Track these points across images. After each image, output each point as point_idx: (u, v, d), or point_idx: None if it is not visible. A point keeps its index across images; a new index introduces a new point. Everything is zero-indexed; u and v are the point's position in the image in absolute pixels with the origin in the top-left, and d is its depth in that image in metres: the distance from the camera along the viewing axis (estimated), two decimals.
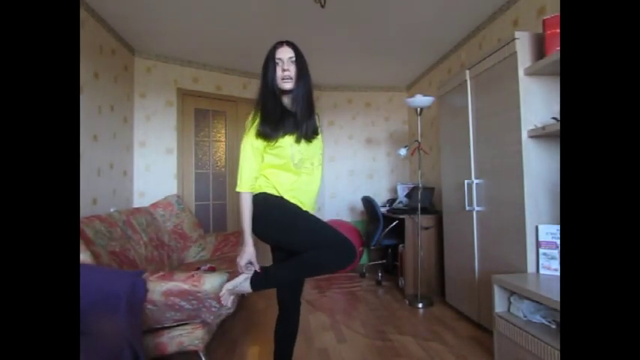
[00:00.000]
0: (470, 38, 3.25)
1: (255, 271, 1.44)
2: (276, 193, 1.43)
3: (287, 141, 1.40)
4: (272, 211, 1.41)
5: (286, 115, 1.43)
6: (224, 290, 1.45)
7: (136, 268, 2.30)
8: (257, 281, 1.43)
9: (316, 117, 1.50)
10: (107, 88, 2.96)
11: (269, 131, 1.38)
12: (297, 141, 1.41)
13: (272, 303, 2.25)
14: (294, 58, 1.42)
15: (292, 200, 1.44)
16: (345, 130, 4.79)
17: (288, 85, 1.41)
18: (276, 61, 1.41)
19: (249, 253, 1.42)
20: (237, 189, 1.43)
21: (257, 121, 1.41)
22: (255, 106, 1.45)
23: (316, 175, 1.50)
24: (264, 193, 1.44)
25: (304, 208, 1.46)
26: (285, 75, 1.40)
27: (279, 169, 1.44)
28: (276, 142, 1.39)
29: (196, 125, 3.88)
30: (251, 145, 1.42)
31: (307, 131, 1.42)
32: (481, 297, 2.41)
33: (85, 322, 1.32)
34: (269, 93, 1.42)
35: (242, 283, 1.44)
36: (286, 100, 1.46)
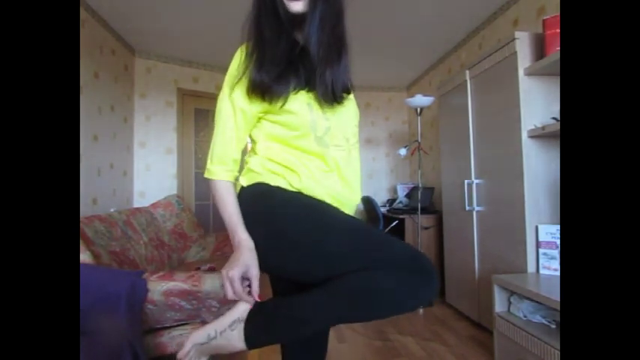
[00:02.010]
0: (470, 38, 3.25)
1: (256, 302, 0.85)
2: (290, 187, 0.88)
3: (301, 99, 0.86)
4: (279, 217, 0.84)
5: (298, 55, 0.87)
6: (188, 346, 0.84)
7: (136, 268, 2.30)
8: (255, 328, 0.84)
9: (348, 64, 0.93)
10: (107, 88, 2.96)
11: (270, 82, 0.83)
12: (319, 102, 0.86)
13: None
14: None
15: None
16: None
17: (297, 6, 0.84)
18: None
19: (244, 259, 0.82)
20: (206, 174, 0.93)
21: (248, 64, 0.85)
22: (247, 39, 0.89)
23: (354, 156, 0.96)
24: (265, 185, 0.88)
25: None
26: None
27: (291, 146, 0.89)
28: (285, 101, 0.84)
29: (196, 125, 3.88)
30: (232, 104, 0.87)
31: (335, 86, 0.86)
32: (481, 297, 2.41)
33: (85, 322, 1.32)
34: (268, 14, 0.86)
35: (227, 330, 0.84)
36: (297, 35, 0.90)
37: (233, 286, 0.81)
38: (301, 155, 0.90)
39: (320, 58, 0.86)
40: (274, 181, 0.88)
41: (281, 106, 0.85)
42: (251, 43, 0.87)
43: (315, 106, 0.87)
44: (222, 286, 0.88)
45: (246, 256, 0.83)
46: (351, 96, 0.98)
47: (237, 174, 0.93)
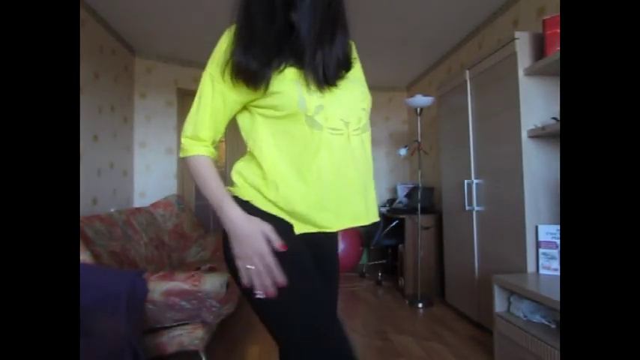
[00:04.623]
0: (470, 38, 3.25)
1: None
2: (262, 202, 0.80)
3: (288, 77, 0.78)
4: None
5: (290, 37, 0.79)
6: None
7: (136, 268, 2.30)
8: None
9: (345, 41, 0.84)
10: (107, 88, 2.96)
11: (257, 68, 0.76)
12: (308, 83, 0.78)
13: None
14: None
15: (316, 215, 0.79)
16: None
17: None
18: None
19: (251, 229, 0.77)
20: (180, 153, 0.86)
21: (234, 47, 0.78)
22: (235, 20, 0.81)
23: (357, 146, 0.83)
24: (236, 200, 0.80)
25: (340, 226, 0.81)
26: None
27: (280, 134, 0.81)
28: (268, 83, 0.77)
29: None
30: (213, 85, 0.82)
31: (326, 69, 0.78)
32: (481, 297, 2.41)
33: (85, 322, 1.32)
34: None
35: None
36: (290, 15, 0.80)
37: (265, 261, 0.76)
38: (289, 146, 0.81)
39: (311, 39, 0.77)
40: (247, 194, 0.82)
41: (265, 90, 0.78)
42: (239, 23, 0.79)
43: (304, 82, 0.78)
44: (244, 272, 0.77)
45: (253, 225, 0.77)
46: (360, 76, 0.90)
47: (214, 152, 0.86)
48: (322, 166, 0.79)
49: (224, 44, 0.81)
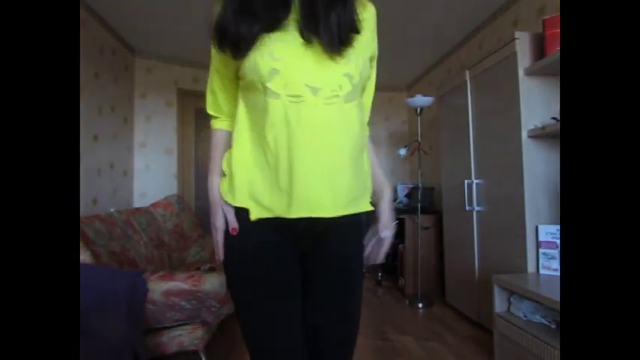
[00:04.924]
0: (470, 38, 3.25)
1: None
2: (227, 188, 0.77)
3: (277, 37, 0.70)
4: (227, 257, 0.78)
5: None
6: None
7: (136, 268, 2.30)
8: None
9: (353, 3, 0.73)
10: (107, 89, 2.96)
11: (235, 25, 0.68)
12: (302, 34, 0.69)
13: None
14: None
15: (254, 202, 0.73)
16: None
17: None
18: None
19: (216, 200, 0.77)
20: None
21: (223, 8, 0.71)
22: None
23: (328, 114, 0.70)
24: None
25: (293, 214, 0.70)
26: None
27: (247, 110, 0.76)
28: (248, 49, 0.69)
29: (196, 125, 3.88)
30: (212, 61, 0.81)
31: (341, 31, 0.68)
32: (481, 297, 2.41)
33: (85, 322, 1.32)
34: None
35: None
36: None
37: (216, 234, 0.77)
38: (252, 119, 0.74)
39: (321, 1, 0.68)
40: (223, 187, 0.78)
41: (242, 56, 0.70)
42: None
43: (290, 45, 0.69)
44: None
45: (211, 214, 0.78)
46: (364, 39, 0.77)
47: (230, 123, 0.84)
48: (277, 140, 0.69)
49: (217, 4, 0.73)
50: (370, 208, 0.80)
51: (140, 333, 1.63)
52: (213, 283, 1.72)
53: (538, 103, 1.99)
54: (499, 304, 1.93)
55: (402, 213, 3.57)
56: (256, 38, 0.68)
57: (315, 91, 0.68)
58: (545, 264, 1.91)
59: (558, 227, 1.93)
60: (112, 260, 2.09)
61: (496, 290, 1.93)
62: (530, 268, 1.95)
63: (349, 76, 0.71)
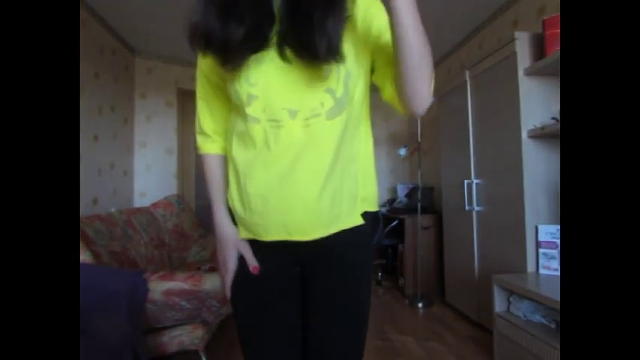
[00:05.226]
0: (470, 38, 3.25)
1: None
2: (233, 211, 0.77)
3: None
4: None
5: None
6: None
7: (136, 268, 2.31)
8: None
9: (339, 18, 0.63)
10: (107, 89, 2.96)
11: (213, 21, 0.63)
12: (282, 53, 0.66)
13: None
14: None
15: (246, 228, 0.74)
16: None
17: None
18: None
19: (224, 238, 0.76)
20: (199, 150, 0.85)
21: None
22: None
23: (309, 136, 0.67)
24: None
25: (269, 237, 0.71)
26: None
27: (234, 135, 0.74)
28: (240, 63, 0.66)
29: None
30: (199, 66, 0.77)
31: (336, 40, 0.61)
32: (481, 297, 2.41)
33: (85, 322, 1.32)
34: None
35: None
36: None
37: (224, 273, 0.77)
38: (240, 141, 0.72)
39: (312, 5, 0.61)
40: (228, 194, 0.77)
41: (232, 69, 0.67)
42: None
43: (267, 57, 0.66)
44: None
45: (219, 251, 0.76)
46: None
47: (222, 144, 0.80)
48: (254, 164, 0.69)
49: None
50: (359, 221, 0.75)
51: (140, 333, 1.63)
52: (213, 282, 1.72)
53: (538, 104, 1.99)
54: (499, 304, 1.93)
55: (402, 213, 3.58)
56: (245, 57, 0.65)
57: (293, 114, 0.66)
58: (545, 264, 1.91)
59: (558, 227, 1.93)
60: (112, 260, 2.09)
61: (496, 290, 1.93)
62: (530, 267, 1.95)
63: (331, 91, 0.67)
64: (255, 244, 0.75)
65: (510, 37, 2.05)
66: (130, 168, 3.44)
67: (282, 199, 0.68)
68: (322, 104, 0.67)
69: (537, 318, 1.75)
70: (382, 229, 3.60)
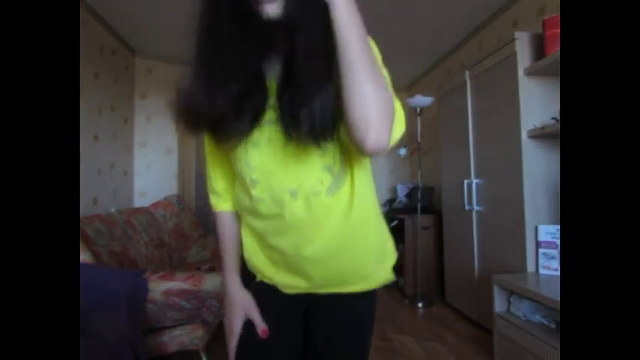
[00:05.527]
0: (470, 38, 3.25)
1: None
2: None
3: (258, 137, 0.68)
4: None
5: (262, 62, 0.65)
6: None
7: (136, 268, 2.30)
8: None
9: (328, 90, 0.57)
10: (107, 89, 2.96)
11: (200, 103, 0.63)
12: (277, 132, 0.64)
13: None
14: None
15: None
16: None
17: (271, 8, 0.60)
18: None
19: (232, 302, 0.77)
20: None
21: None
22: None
23: (312, 214, 0.68)
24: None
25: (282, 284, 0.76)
26: None
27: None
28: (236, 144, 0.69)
29: None
30: (206, 138, 0.77)
31: (324, 122, 0.58)
32: (481, 297, 2.41)
33: (85, 322, 1.32)
34: (222, 9, 0.61)
35: None
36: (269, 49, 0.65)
37: (230, 339, 0.77)
38: (249, 210, 0.75)
39: (306, 82, 0.58)
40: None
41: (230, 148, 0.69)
42: (196, 59, 0.67)
43: (261, 140, 0.67)
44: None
45: (227, 315, 0.77)
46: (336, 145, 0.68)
47: (231, 202, 0.81)
48: (267, 229, 0.73)
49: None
50: (386, 278, 0.78)
51: (140, 333, 1.63)
52: (213, 282, 1.72)
53: (538, 103, 1.99)
54: (499, 304, 1.93)
55: (402, 213, 3.58)
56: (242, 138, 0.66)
57: (294, 194, 0.67)
58: (545, 264, 1.91)
59: (558, 227, 1.93)
60: (112, 260, 2.09)
61: (496, 290, 1.93)
62: (530, 267, 1.95)
63: (329, 168, 0.68)
64: (267, 290, 0.77)
65: (510, 37, 2.05)
66: (130, 168, 3.44)
67: (300, 261, 0.72)
68: (321, 182, 0.67)
69: (537, 318, 1.75)
70: None
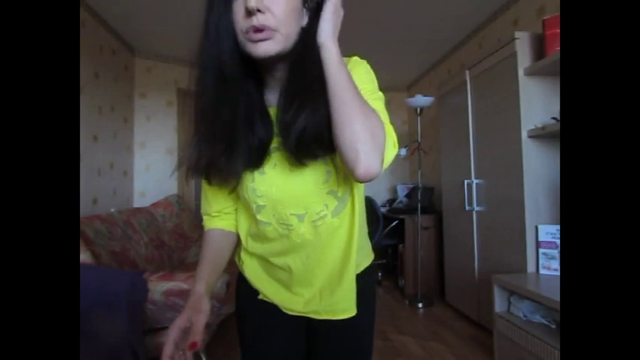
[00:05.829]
0: (470, 38, 3.25)
1: None
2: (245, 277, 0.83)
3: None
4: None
5: (257, 113, 0.68)
6: None
7: (136, 268, 2.30)
8: None
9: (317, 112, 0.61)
10: (107, 88, 2.96)
11: (215, 157, 0.66)
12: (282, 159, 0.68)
13: None
14: None
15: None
16: None
17: (262, 48, 0.59)
18: None
19: (186, 307, 0.72)
20: None
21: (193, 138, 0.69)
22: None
23: (318, 236, 0.73)
24: (240, 276, 0.85)
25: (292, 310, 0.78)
26: (255, 25, 0.58)
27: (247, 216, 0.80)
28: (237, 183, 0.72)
29: None
30: None
31: (306, 137, 0.61)
32: (481, 297, 2.41)
33: (85, 322, 1.32)
34: (212, 70, 0.64)
35: None
36: (267, 81, 0.69)
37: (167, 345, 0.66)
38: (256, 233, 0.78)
39: (300, 103, 0.62)
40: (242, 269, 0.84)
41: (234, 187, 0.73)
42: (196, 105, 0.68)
43: (265, 166, 0.70)
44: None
45: (186, 307, 0.72)
46: (328, 164, 0.69)
47: (229, 221, 0.83)
48: (273, 249, 0.76)
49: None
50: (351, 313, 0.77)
51: (140, 333, 1.63)
52: None
53: (538, 103, 1.99)
54: (499, 304, 1.93)
55: (402, 213, 3.58)
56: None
57: (300, 218, 0.71)
58: (545, 264, 1.91)
59: (558, 227, 1.93)
60: (112, 260, 2.09)
61: (496, 290, 1.93)
62: (530, 268, 1.95)
63: (333, 193, 0.71)
64: (270, 305, 0.80)
65: (510, 37, 2.05)
66: (130, 168, 3.44)
67: (306, 279, 0.76)
68: (327, 205, 0.71)
69: (537, 318, 1.75)
70: (382, 229, 3.61)
